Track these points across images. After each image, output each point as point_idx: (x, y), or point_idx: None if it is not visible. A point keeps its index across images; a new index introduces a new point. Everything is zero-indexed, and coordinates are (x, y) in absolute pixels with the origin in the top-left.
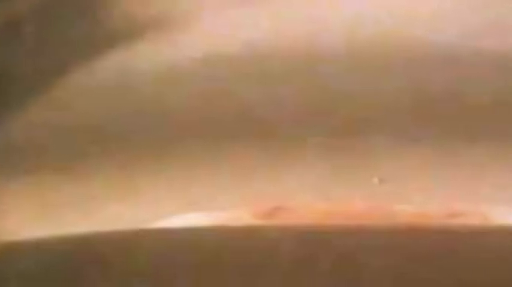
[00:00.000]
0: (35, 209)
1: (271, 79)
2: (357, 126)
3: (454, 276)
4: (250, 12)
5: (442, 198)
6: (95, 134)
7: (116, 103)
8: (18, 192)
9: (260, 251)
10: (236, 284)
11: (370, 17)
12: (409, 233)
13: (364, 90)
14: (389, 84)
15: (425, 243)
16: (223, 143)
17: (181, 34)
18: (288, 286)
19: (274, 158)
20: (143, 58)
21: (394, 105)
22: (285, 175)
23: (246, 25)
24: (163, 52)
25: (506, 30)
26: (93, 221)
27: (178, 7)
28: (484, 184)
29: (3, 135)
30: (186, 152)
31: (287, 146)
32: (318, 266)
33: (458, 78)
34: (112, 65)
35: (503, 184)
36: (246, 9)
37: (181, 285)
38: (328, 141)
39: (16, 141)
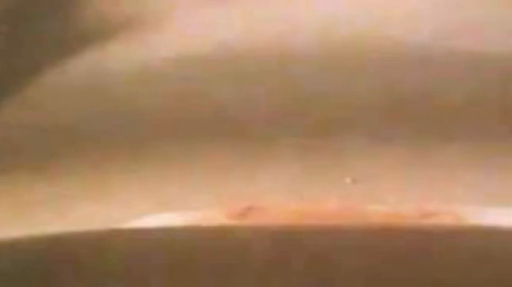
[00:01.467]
0: (8, 209)
1: (245, 79)
2: (330, 127)
3: (427, 276)
4: (223, 12)
5: (415, 198)
6: (68, 133)
7: (88, 103)
8: None
9: (233, 251)
10: (209, 284)
11: (344, 17)
12: (382, 233)
13: (338, 90)
14: (363, 84)
15: (398, 243)
16: (196, 143)
17: (154, 34)
18: (261, 285)
19: (248, 158)
20: (116, 58)
21: (367, 105)
22: (258, 175)
23: (219, 25)
24: (136, 52)
25: (479, 31)
26: (66, 221)
27: (151, 7)
28: (457, 184)
29: None
30: (159, 152)
31: (260, 146)
32: (291, 266)
33: (432, 78)
34: (85, 65)
35: (476, 184)
36: (219, 9)
37: (154, 285)
38: (301, 141)
39: None
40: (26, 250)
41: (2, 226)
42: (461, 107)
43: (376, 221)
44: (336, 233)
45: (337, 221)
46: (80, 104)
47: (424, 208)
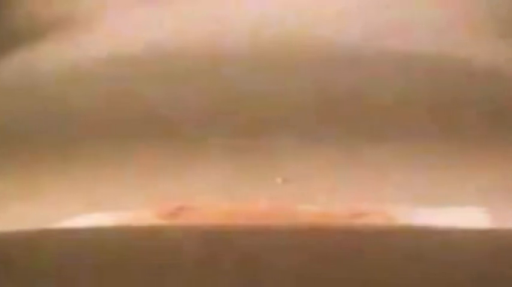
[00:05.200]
0: None
1: (175, 79)
2: (261, 127)
3: (358, 276)
4: (154, 12)
5: (345, 198)
6: None
7: (19, 103)
8: None
9: (164, 251)
10: (140, 284)
11: (274, 17)
12: (313, 233)
13: (268, 90)
14: (293, 84)
15: (329, 243)
16: (127, 143)
17: (84, 34)
18: (192, 285)
19: (178, 158)
20: (46, 58)
21: (298, 105)
22: (189, 175)
23: (149, 25)
24: (66, 52)
25: (408, 31)
26: None
27: (82, 7)
28: (387, 184)
29: None
30: (90, 152)
31: (191, 146)
32: (221, 266)
33: (362, 78)
34: (15, 65)
35: (407, 184)
36: (149, 9)
37: (85, 285)
38: (232, 141)
39: None
40: None
41: None
42: (391, 107)
43: (306, 221)
44: (266, 233)
45: (268, 221)
46: (10, 104)
47: (355, 208)
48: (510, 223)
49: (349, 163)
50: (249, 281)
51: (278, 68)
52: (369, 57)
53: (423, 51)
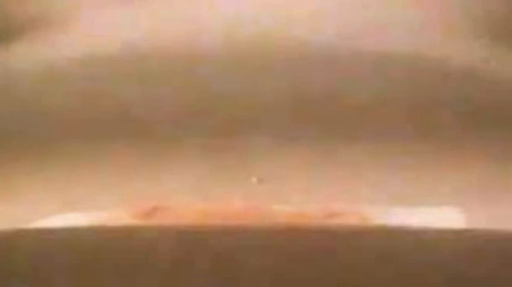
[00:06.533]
0: None
1: (150, 79)
2: (236, 127)
3: (332, 276)
4: (129, 12)
5: (320, 198)
6: None
7: None
8: None
9: (139, 251)
10: (115, 284)
11: (248, 17)
12: (288, 233)
13: (243, 90)
14: (268, 84)
15: (303, 243)
16: (102, 143)
17: (59, 34)
18: (167, 285)
19: (153, 158)
20: (21, 58)
21: (273, 105)
22: (164, 175)
23: (124, 25)
24: (41, 52)
25: (384, 30)
26: None
27: (57, 7)
28: (362, 184)
29: None
30: (65, 152)
31: (166, 146)
32: (196, 266)
33: (337, 78)
34: None
35: (382, 184)
36: (124, 9)
37: (60, 285)
38: (207, 141)
39: None
40: None
41: None
42: (366, 107)
43: (281, 221)
44: (241, 233)
45: (243, 221)
46: None
47: (330, 208)
48: (484, 223)
49: (324, 163)
50: (224, 281)
51: (253, 68)
52: (344, 57)
53: (398, 51)
